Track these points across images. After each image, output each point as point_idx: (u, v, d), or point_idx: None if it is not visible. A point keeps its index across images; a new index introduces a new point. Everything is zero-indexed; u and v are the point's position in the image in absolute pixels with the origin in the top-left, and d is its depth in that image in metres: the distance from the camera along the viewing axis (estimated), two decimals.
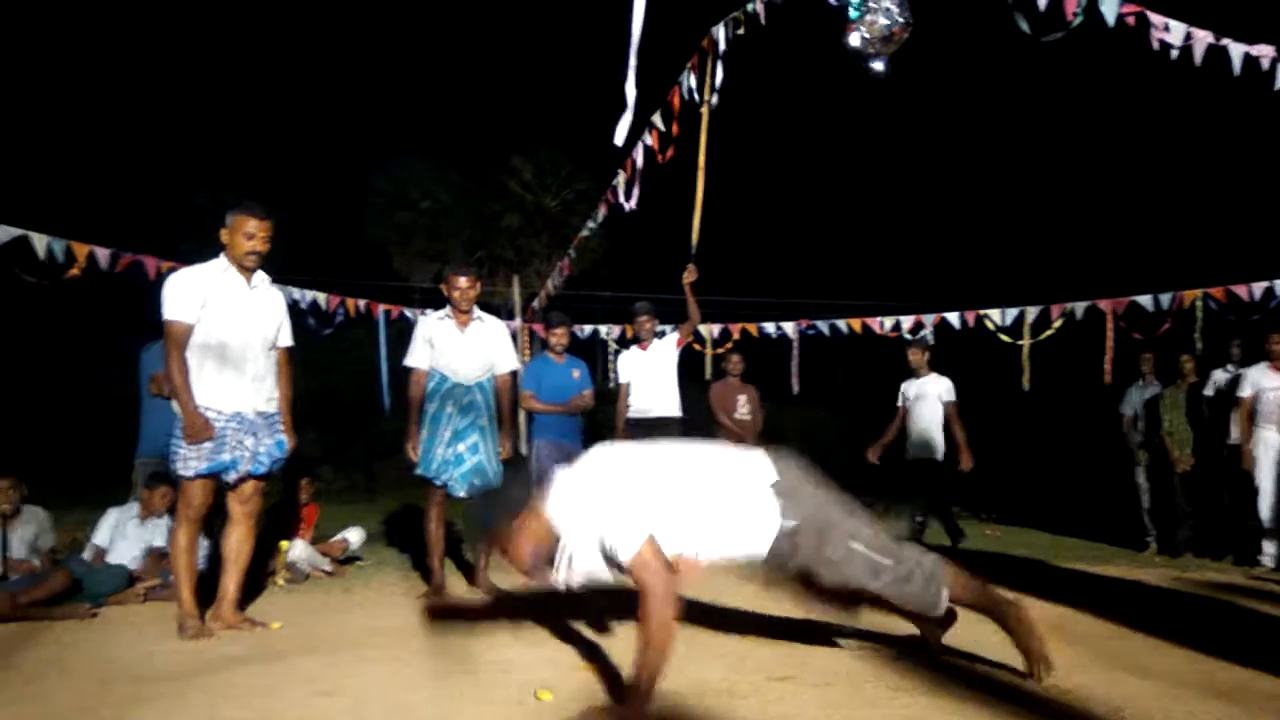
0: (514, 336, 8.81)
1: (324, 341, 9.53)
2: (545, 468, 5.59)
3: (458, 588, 4.83)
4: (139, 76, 28.76)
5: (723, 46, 5.28)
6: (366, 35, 39.91)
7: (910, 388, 6.90)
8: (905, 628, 3.04)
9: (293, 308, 7.19)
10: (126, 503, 5.04)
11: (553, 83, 38.21)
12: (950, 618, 2.91)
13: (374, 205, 25.15)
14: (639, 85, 4.32)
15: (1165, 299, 7.66)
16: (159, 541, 4.78)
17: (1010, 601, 2.75)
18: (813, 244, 27.91)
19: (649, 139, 5.93)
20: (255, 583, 4.57)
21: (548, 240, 24.28)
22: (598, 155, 19.75)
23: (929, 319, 8.62)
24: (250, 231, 3.67)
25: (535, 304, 9.55)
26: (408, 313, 8.72)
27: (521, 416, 6.92)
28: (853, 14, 4.36)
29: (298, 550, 5.35)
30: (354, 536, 6.10)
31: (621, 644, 3.07)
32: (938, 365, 6.98)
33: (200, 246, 4.75)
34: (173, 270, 3.98)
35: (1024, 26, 4.31)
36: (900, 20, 4.35)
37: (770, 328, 9.19)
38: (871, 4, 4.31)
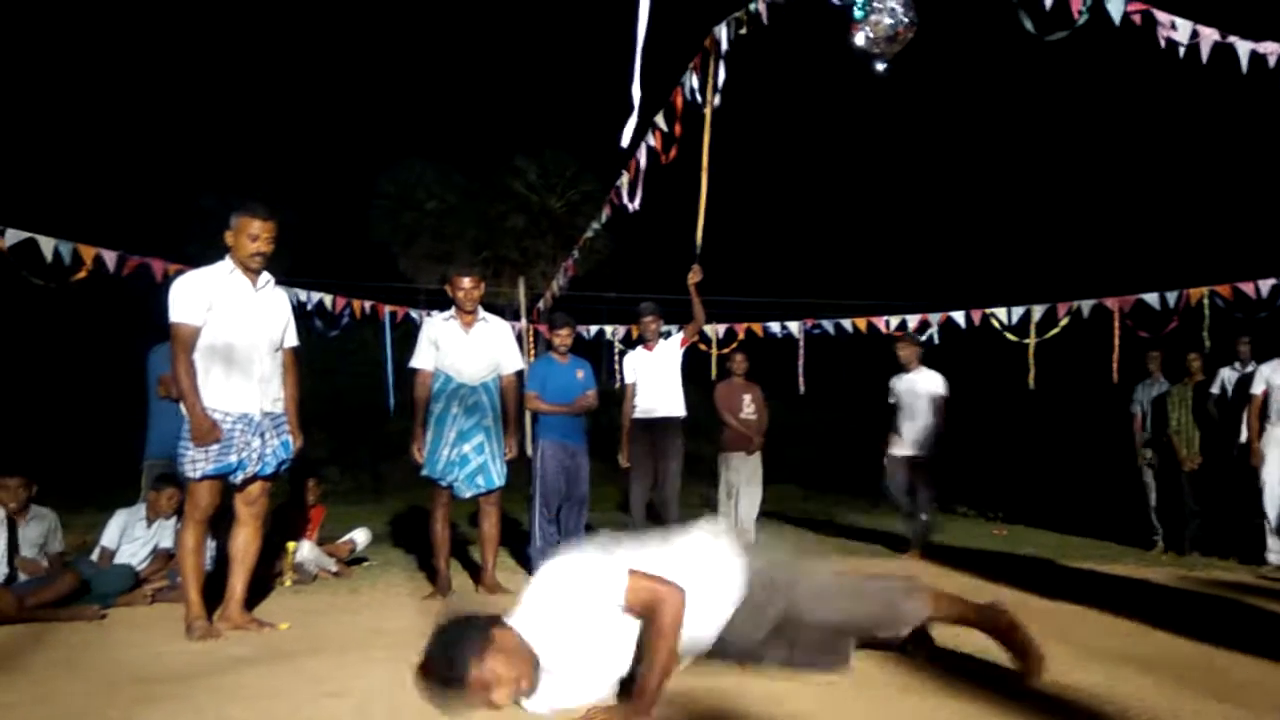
0: (519, 337, 8.83)
1: (330, 343, 9.57)
2: (549, 468, 5.61)
3: (464, 588, 4.83)
4: (145, 80, 28.88)
5: (725, 46, 5.27)
6: (372, 38, 40.00)
7: (900, 383, 6.79)
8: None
9: (299, 309, 7.23)
10: (134, 504, 5.06)
11: (557, 84, 38.27)
12: (924, 640, 2.88)
13: (379, 207, 25.19)
14: (643, 86, 4.32)
15: (1172, 297, 7.64)
16: (166, 543, 4.80)
17: (988, 605, 2.71)
18: (818, 244, 27.89)
19: (652, 140, 5.93)
20: (262, 584, 4.59)
21: (553, 241, 24.28)
22: (603, 156, 19.79)
23: (935, 318, 8.61)
24: (254, 233, 3.68)
25: (540, 305, 9.56)
26: (413, 314, 8.75)
27: (526, 417, 6.93)
28: (857, 14, 4.35)
29: (304, 551, 5.37)
30: (360, 537, 6.11)
31: None
32: (942, 364, 6.92)
33: (206, 249, 4.77)
34: (179, 272, 4.01)
35: (1029, 25, 4.30)
36: (905, 20, 4.33)
37: (775, 327, 9.19)
38: (876, 4, 4.30)
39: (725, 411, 6.94)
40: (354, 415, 15.44)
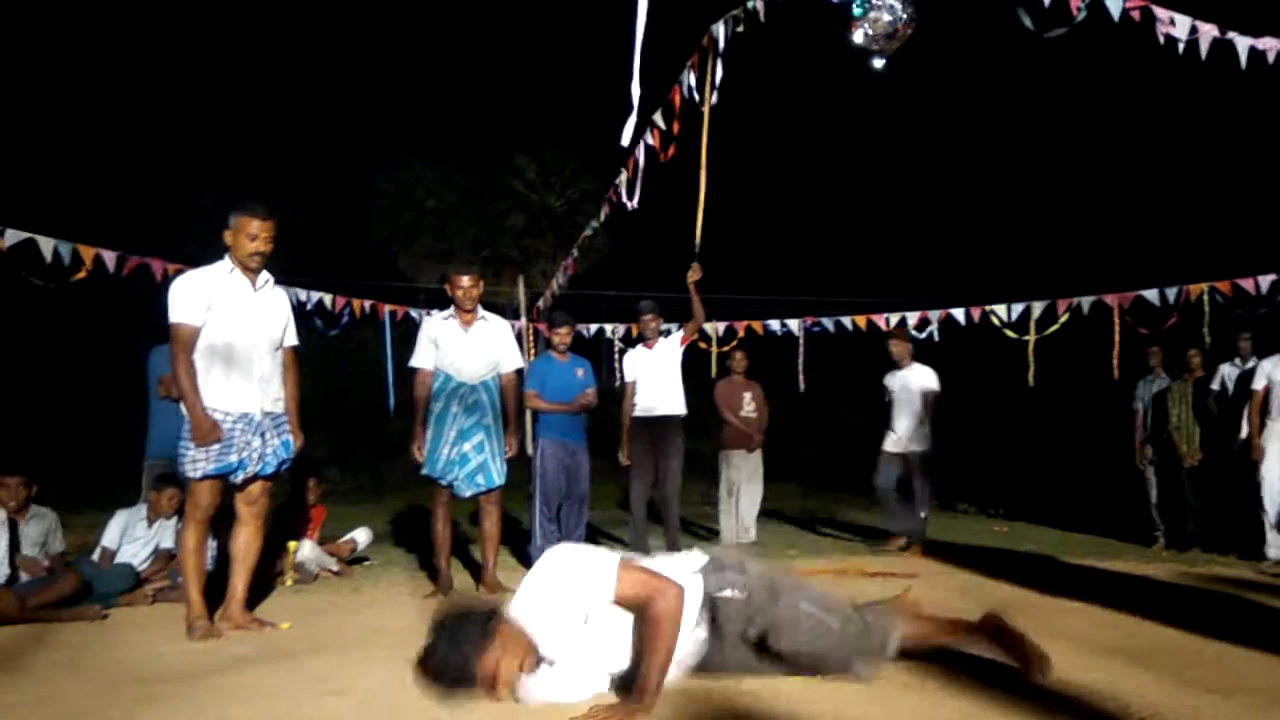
0: (519, 336, 8.83)
1: (330, 342, 9.58)
2: (549, 467, 5.62)
3: (465, 587, 4.84)
4: (144, 80, 28.86)
5: (723, 44, 5.27)
6: (371, 37, 39.98)
7: (893, 380, 6.78)
8: None
9: (299, 309, 7.23)
10: (135, 504, 5.07)
11: (556, 82, 38.27)
12: None
13: (379, 206, 25.20)
14: (641, 85, 4.32)
15: (1172, 293, 7.64)
16: (167, 543, 4.80)
17: (978, 621, 2.69)
18: (817, 241, 27.89)
19: (650, 138, 5.92)
20: (263, 583, 4.59)
21: (553, 240, 24.31)
22: (602, 154, 19.80)
23: (934, 315, 8.60)
24: (253, 232, 3.68)
25: (540, 303, 9.56)
26: (413, 313, 8.75)
27: (527, 416, 6.93)
28: (856, 11, 4.35)
29: (305, 550, 5.37)
30: (361, 537, 6.12)
31: None
32: (942, 361, 6.92)
33: (206, 249, 4.77)
34: (179, 273, 4.01)
35: (1027, 22, 4.29)
36: (904, 16, 4.33)
37: (775, 325, 9.19)
38: (875, 1, 4.30)
39: (725, 409, 6.94)
40: (354, 415, 15.45)
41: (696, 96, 5.47)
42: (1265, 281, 7.18)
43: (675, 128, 5.71)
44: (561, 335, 5.80)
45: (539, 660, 2.42)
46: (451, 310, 4.77)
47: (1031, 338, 8.26)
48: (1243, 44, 4.32)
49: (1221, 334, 7.30)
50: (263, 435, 3.72)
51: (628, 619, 2.47)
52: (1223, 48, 4.37)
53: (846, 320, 8.96)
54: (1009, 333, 8.40)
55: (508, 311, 9.15)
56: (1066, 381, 10.24)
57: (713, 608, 2.57)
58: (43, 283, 6.04)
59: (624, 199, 6.37)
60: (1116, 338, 7.93)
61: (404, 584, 5.15)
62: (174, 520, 4.82)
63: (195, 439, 3.55)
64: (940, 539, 7.05)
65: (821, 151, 30.62)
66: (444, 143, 30.59)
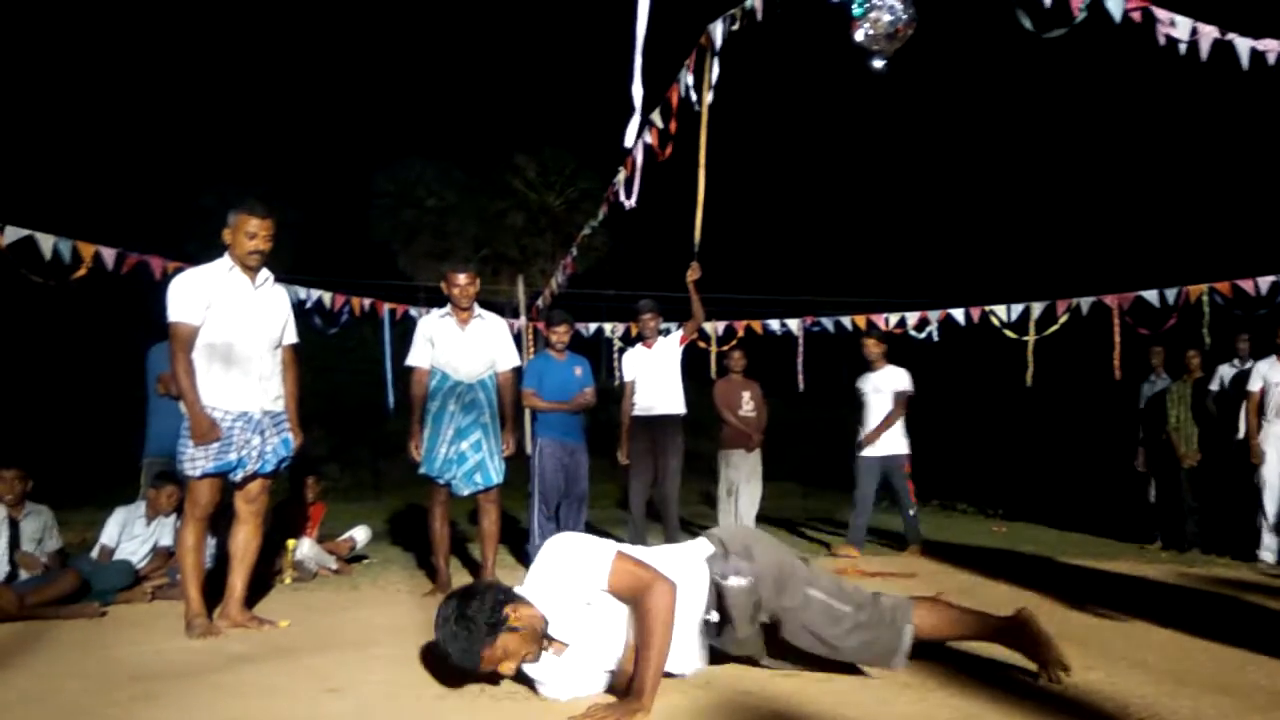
0: (518, 335, 8.83)
1: (330, 341, 9.57)
2: (548, 466, 5.61)
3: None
4: (145, 78, 28.85)
5: (720, 44, 5.26)
6: (371, 36, 39.97)
7: (866, 383, 6.73)
8: None
9: (298, 307, 7.22)
10: (134, 502, 5.07)
11: (556, 81, 38.25)
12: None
13: (379, 205, 25.22)
14: (641, 84, 4.31)
15: (1171, 294, 7.63)
16: (166, 540, 4.81)
17: (1006, 617, 2.66)
18: (817, 241, 27.90)
19: (649, 137, 5.92)
20: (262, 581, 4.59)
21: (552, 238, 24.33)
22: (602, 153, 19.81)
23: (934, 315, 8.60)
24: (252, 230, 3.68)
25: (539, 302, 9.55)
26: (413, 311, 8.74)
27: (525, 415, 6.93)
28: (856, 10, 4.34)
29: (304, 549, 5.37)
30: (360, 535, 6.12)
31: None
32: (941, 361, 6.90)
33: (206, 247, 4.76)
34: (179, 271, 4.00)
35: (1026, 23, 4.29)
36: (904, 16, 4.33)
37: (775, 325, 9.19)
38: (875, 1, 4.30)
39: (724, 409, 6.94)
40: (353, 413, 15.46)
41: (694, 96, 5.46)
42: (1265, 283, 7.18)
43: (673, 127, 5.71)
44: (560, 334, 5.79)
45: (549, 639, 2.47)
46: (448, 308, 4.76)
47: (1031, 338, 8.26)
48: (1243, 45, 4.32)
49: (1221, 335, 7.30)
50: (262, 433, 3.72)
51: (623, 612, 2.50)
52: (1223, 49, 4.36)
53: (846, 320, 8.96)
54: (1008, 333, 8.40)
55: (507, 310, 9.13)
56: (1065, 382, 10.25)
57: (720, 595, 2.57)
58: (42, 280, 6.03)
59: (623, 198, 6.37)
60: (1117, 338, 7.93)
61: (403, 582, 5.15)
62: (173, 518, 4.82)
63: (194, 437, 3.55)
64: (939, 539, 7.06)
65: (821, 151, 30.65)
66: (444, 141, 30.63)
